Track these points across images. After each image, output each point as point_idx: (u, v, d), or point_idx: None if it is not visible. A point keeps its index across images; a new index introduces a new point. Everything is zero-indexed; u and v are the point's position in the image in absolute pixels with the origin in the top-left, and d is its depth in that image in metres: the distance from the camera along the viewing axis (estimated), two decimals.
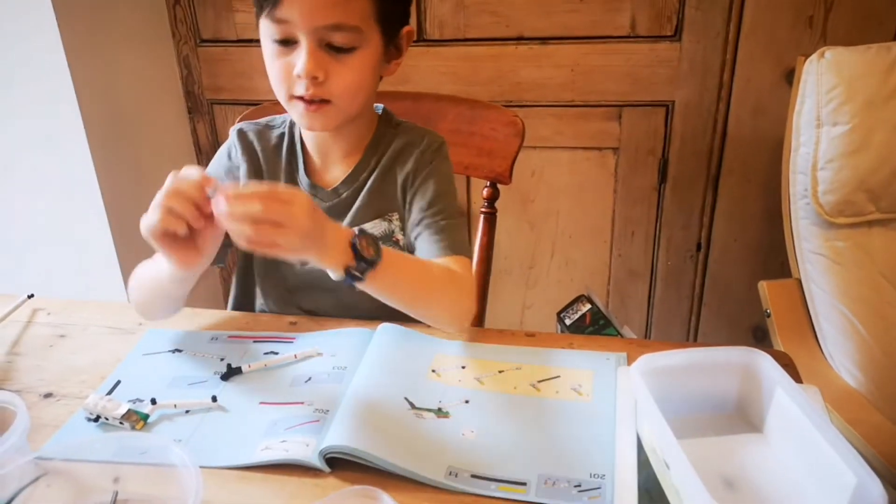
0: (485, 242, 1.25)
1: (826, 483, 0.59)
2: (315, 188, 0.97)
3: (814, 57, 1.21)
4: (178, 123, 1.75)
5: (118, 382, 0.81)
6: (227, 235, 0.76)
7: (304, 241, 0.70)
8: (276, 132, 0.99)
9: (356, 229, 0.77)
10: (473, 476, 0.66)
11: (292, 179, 0.98)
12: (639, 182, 1.64)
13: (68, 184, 1.47)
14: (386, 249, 0.78)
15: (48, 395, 0.81)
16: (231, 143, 0.99)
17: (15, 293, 1.00)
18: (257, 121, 1.01)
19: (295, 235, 0.68)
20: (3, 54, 1.38)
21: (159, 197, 0.72)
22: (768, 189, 1.54)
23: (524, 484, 0.65)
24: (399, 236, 0.98)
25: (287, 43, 0.83)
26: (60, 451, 0.69)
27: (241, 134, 0.98)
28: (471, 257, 0.94)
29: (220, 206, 0.68)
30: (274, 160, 0.98)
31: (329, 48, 0.82)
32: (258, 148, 0.98)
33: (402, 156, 0.97)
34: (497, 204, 1.26)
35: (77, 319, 0.95)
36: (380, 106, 1.02)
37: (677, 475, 0.59)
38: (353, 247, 0.74)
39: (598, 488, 0.64)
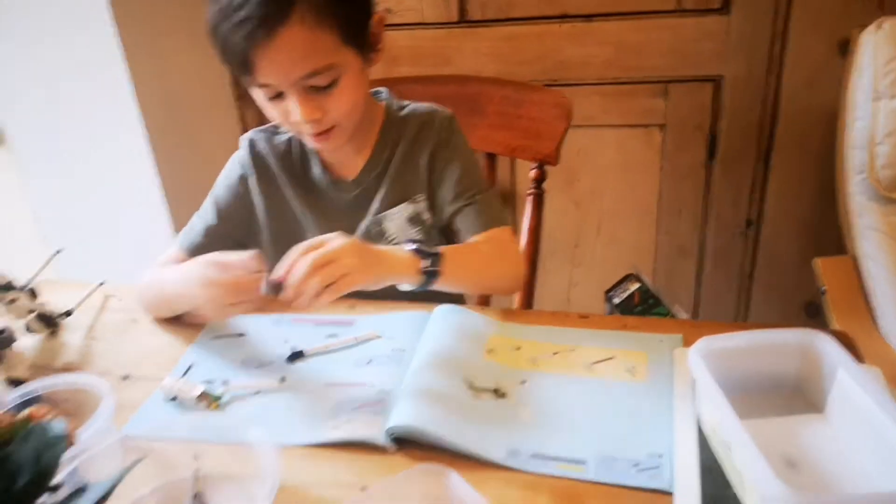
0: (533, 224, 1.26)
1: (890, 463, 0.59)
2: (335, 182, 1.00)
3: (871, 28, 1.18)
4: (228, 110, 1.79)
5: (191, 365, 0.85)
6: (232, 244, 0.95)
7: (369, 271, 0.76)
8: (283, 136, 1.01)
9: (406, 241, 0.84)
10: (533, 455, 0.68)
11: (308, 177, 1.01)
12: (686, 159, 1.62)
13: (127, 172, 1.53)
14: (444, 248, 0.85)
15: (126, 378, 0.85)
16: (242, 153, 1.01)
17: (86, 281, 1.05)
18: (264, 127, 1.03)
19: (361, 275, 0.75)
20: (62, 49, 1.43)
21: (221, 297, 0.78)
22: (822, 164, 1.50)
23: (583, 462, 0.67)
24: (427, 216, 1.00)
25: (277, 97, 0.86)
26: (141, 430, 0.74)
27: (251, 144, 1.01)
28: (508, 224, 0.98)
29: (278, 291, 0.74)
30: (286, 163, 1.00)
31: (313, 89, 0.85)
32: (268, 154, 1.00)
33: (419, 138, 0.99)
34: (543, 185, 1.27)
35: None
36: (383, 90, 1.04)
37: (740, 456, 0.60)
38: (416, 251, 0.82)
39: (657, 467, 0.65)
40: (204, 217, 1.00)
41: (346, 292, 0.74)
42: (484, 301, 1.29)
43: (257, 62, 0.81)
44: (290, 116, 0.86)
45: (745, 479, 0.59)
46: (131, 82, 1.43)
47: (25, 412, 0.41)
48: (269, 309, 0.89)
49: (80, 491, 0.44)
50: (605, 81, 1.59)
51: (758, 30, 1.47)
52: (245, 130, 1.80)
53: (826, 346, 0.68)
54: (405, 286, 0.84)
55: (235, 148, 1.05)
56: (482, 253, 0.93)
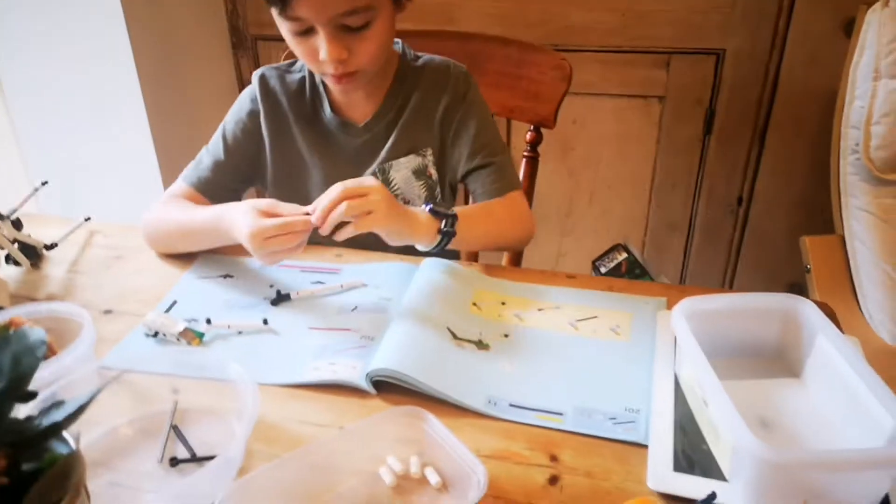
0: (525, 186, 1.25)
1: (864, 427, 0.60)
2: (345, 125, 0.99)
3: (877, 6, 1.17)
4: (223, 58, 1.76)
5: (174, 302, 0.85)
6: (240, 179, 1.00)
7: (391, 218, 0.79)
8: (296, 76, 1.01)
9: (424, 204, 0.86)
10: (512, 405, 0.69)
11: (318, 118, 1.00)
12: (683, 132, 1.61)
13: (119, 115, 1.50)
14: (461, 208, 0.89)
15: (108, 312, 0.85)
16: (253, 89, 1.00)
17: (72, 217, 1.04)
18: (278, 65, 1.02)
19: (382, 217, 0.78)
20: None
21: (273, 240, 0.78)
22: (816, 144, 1.50)
23: (561, 414, 0.67)
24: (432, 171, 1.00)
25: (305, 32, 0.85)
26: (122, 361, 0.74)
27: (263, 79, 1.00)
28: (521, 187, 1.01)
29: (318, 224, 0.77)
30: (297, 102, 1.00)
31: (345, 28, 0.84)
32: (279, 92, 0.99)
33: (433, 91, 0.99)
34: (539, 148, 1.26)
35: (132, 243, 0.98)
36: (398, 41, 1.03)
37: (716, 412, 0.60)
38: (433, 211, 0.84)
39: (633, 422, 0.66)
40: (213, 151, 1.00)
41: (367, 230, 0.78)
42: (472, 257, 1.29)
43: None
44: (315, 54, 0.85)
45: (720, 434, 0.60)
46: (126, 24, 1.40)
47: (5, 320, 0.41)
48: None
49: (55, 405, 0.43)
50: (608, 49, 1.58)
51: (763, 5, 1.46)
52: (240, 78, 1.79)
53: (808, 312, 0.69)
54: (421, 246, 0.86)
55: (229, 95, 1.04)
56: (496, 215, 0.96)
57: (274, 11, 0.84)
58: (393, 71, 0.99)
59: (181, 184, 0.99)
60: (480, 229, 0.92)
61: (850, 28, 1.36)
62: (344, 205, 0.76)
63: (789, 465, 0.54)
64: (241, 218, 0.81)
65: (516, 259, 1.27)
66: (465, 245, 0.92)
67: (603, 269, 1.48)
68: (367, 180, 0.79)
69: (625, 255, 1.47)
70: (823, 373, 0.67)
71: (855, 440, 0.61)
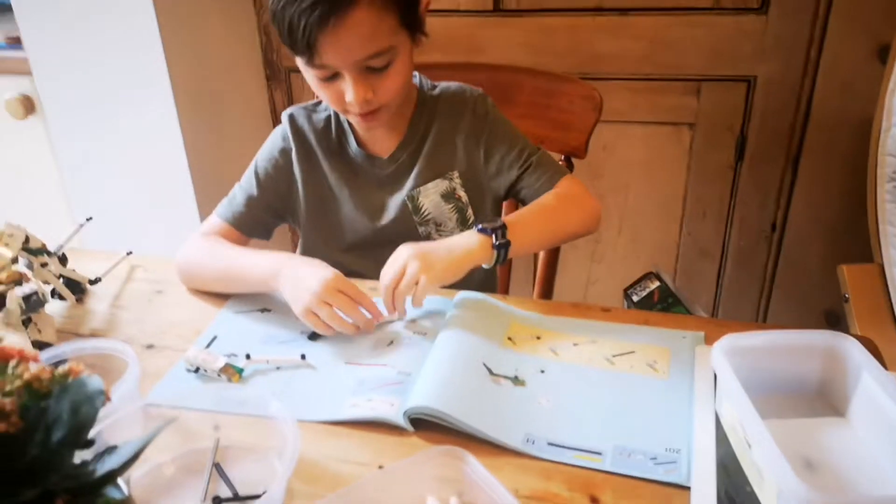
0: None
1: None
2: (371, 158, 1.02)
3: None
4: (258, 91, 1.80)
5: (215, 337, 0.86)
6: (272, 215, 1.04)
7: (434, 268, 0.84)
8: (322, 114, 1.04)
9: (475, 226, 0.88)
10: (550, 444, 0.68)
11: (345, 154, 1.03)
12: (714, 159, 1.60)
13: (157, 150, 1.54)
14: (506, 217, 0.91)
15: (150, 347, 0.87)
16: (284, 128, 1.04)
17: (113, 251, 1.07)
18: (304, 104, 1.06)
19: (430, 275, 0.83)
20: (100, 25, 1.45)
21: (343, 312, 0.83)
22: (851, 171, 1.48)
23: (600, 453, 0.67)
24: (461, 193, 1.02)
25: (331, 78, 0.88)
26: (164, 398, 0.75)
27: (292, 119, 1.03)
28: (566, 171, 1.03)
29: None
30: (325, 139, 1.03)
31: (369, 69, 0.87)
32: (307, 130, 1.03)
33: (452, 116, 1.02)
34: None
35: (172, 277, 1.00)
36: (415, 73, 1.05)
37: (760, 453, 0.60)
38: (482, 230, 0.87)
39: (674, 462, 0.65)
40: (245, 188, 1.03)
41: (425, 295, 0.84)
42: (504, 290, 1.29)
43: (322, 44, 0.82)
44: (342, 97, 0.88)
45: (764, 476, 0.59)
46: (166, 59, 1.44)
47: (65, 367, 0.42)
48: None
49: (109, 450, 0.44)
50: (637, 77, 1.58)
51: (795, 31, 1.45)
52: (274, 111, 1.82)
53: (851, 349, 0.68)
54: (485, 265, 0.88)
55: (264, 127, 1.07)
56: (549, 208, 0.96)
57: (300, 61, 0.87)
58: (412, 103, 1.02)
59: (215, 219, 1.02)
60: (537, 228, 0.94)
61: (884, 54, 1.35)
62: (400, 302, 0.83)
63: None
64: (317, 266, 0.85)
65: (548, 288, 1.27)
66: (528, 248, 0.93)
67: (635, 298, 1.46)
68: (397, 256, 0.85)
69: (657, 283, 1.45)
70: (869, 412, 0.65)
71: None
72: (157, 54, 1.44)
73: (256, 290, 0.92)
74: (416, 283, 0.83)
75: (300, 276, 0.85)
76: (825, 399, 0.71)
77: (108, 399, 0.41)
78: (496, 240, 0.87)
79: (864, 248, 1.35)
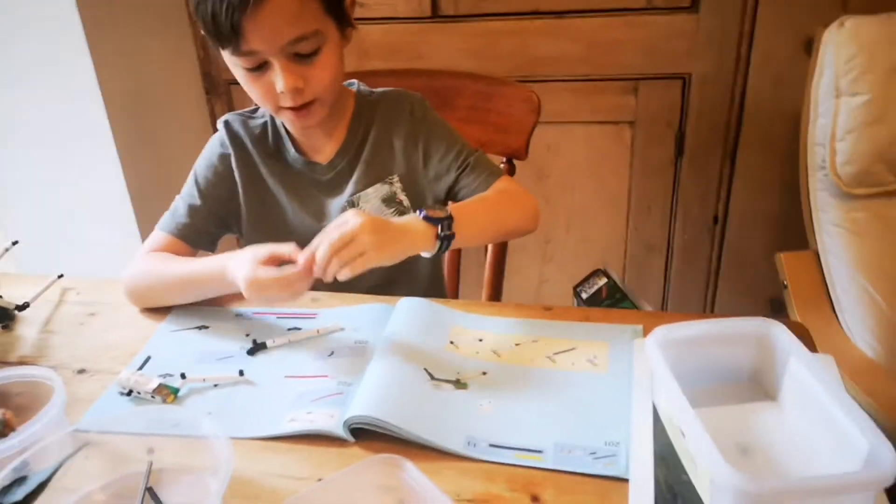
0: None
1: (839, 449, 0.60)
2: (310, 164, 1.01)
3: (833, 26, 1.20)
4: (197, 104, 1.77)
5: (148, 358, 0.84)
6: (216, 223, 1.01)
7: (384, 248, 0.79)
8: (259, 121, 1.03)
9: (417, 210, 0.85)
10: (491, 445, 0.68)
11: (282, 161, 1.02)
12: (655, 155, 1.63)
13: (92, 165, 1.50)
14: (450, 205, 0.90)
15: (81, 371, 0.84)
16: (221, 134, 1.02)
17: (45, 274, 1.03)
18: (241, 111, 1.05)
19: (376, 253, 0.78)
20: (25, 41, 1.40)
21: (267, 289, 0.80)
22: (787, 161, 1.52)
23: (540, 451, 0.67)
24: (402, 196, 1.02)
25: (259, 68, 0.87)
26: (96, 423, 0.73)
27: (228, 125, 1.02)
28: (503, 172, 1.04)
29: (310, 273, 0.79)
30: (262, 145, 1.02)
31: (298, 57, 0.86)
32: (244, 135, 1.02)
33: (391, 120, 1.02)
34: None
35: (106, 298, 0.97)
36: (354, 81, 1.06)
37: (692, 442, 0.60)
38: (427, 218, 0.84)
39: (613, 455, 0.66)
40: (187, 198, 1.01)
41: (363, 270, 0.78)
42: (452, 293, 1.29)
43: (247, 29, 0.81)
44: (272, 89, 0.87)
45: (698, 464, 0.60)
46: (96, 76, 1.41)
47: None
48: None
49: (20, 480, 0.43)
50: (577, 78, 1.60)
51: (726, 28, 1.49)
52: (214, 124, 1.79)
53: (779, 335, 0.69)
54: (425, 254, 0.85)
55: (203, 140, 1.04)
56: (490, 202, 0.96)
57: (226, 53, 0.87)
58: (350, 109, 1.02)
59: (159, 234, 0.99)
60: (479, 221, 0.93)
61: (810, 48, 1.39)
62: (335, 261, 0.77)
63: (766, 495, 0.54)
64: (240, 266, 0.82)
65: (496, 289, 1.28)
66: (469, 241, 0.91)
67: (584, 295, 1.48)
68: (349, 220, 0.79)
69: (605, 279, 1.47)
70: (798, 395, 0.67)
71: (832, 463, 0.61)
72: (87, 71, 1.40)
73: (217, 291, 0.91)
74: (360, 256, 0.78)
75: (237, 272, 0.83)
76: (758, 385, 0.72)
77: (12, 428, 0.39)
78: (441, 231, 0.85)
79: (802, 235, 1.38)
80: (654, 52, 1.54)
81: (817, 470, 0.61)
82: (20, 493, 0.40)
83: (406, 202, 1.02)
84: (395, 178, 1.01)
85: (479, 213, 0.94)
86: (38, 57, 1.42)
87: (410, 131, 1.02)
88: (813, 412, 0.64)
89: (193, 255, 1.00)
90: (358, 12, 1.60)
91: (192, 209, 1.00)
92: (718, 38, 1.50)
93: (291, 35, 0.84)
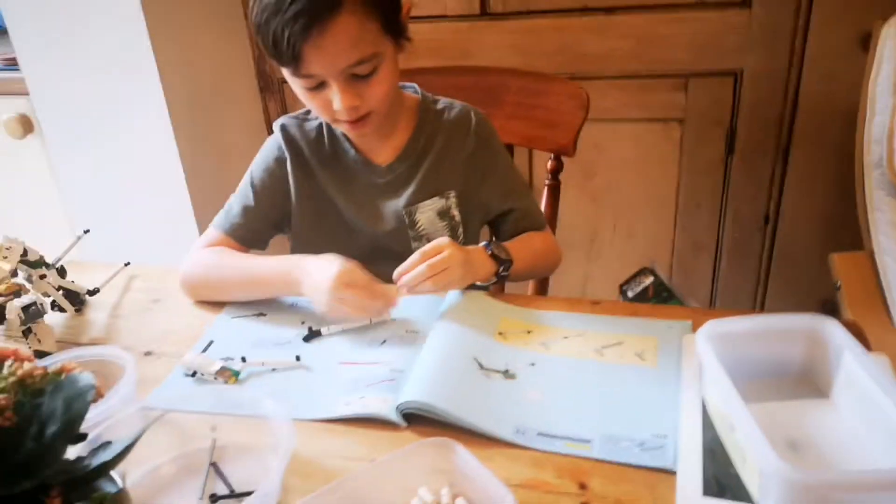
0: (549, 214, 1.27)
1: (892, 446, 0.60)
2: (369, 165, 1.03)
3: (893, 20, 1.17)
4: (252, 102, 1.82)
5: (211, 342, 0.88)
6: (269, 224, 1.05)
7: (465, 280, 0.89)
8: (313, 122, 1.04)
9: (483, 243, 0.95)
10: (540, 434, 0.70)
11: (340, 161, 1.03)
12: (705, 153, 1.62)
13: (153, 161, 1.56)
14: (508, 245, 0.97)
15: (148, 353, 0.88)
16: (277, 137, 1.04)
17: (113, 263, 1.09)
18: (295, 114, 1.07)
19: (459, 284, 0.88)
20: (92, 39, 1.47)
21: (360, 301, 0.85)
22: (841, 160, 1.49)
23: (588, 441, 0.68)
24: (455, 212, 1.04)
25: (317, 87, 0.89)
26: (163, 401, 0.77)
27: (284, 129, 1.04)
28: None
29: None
30: (317, 147, 1.04)
31: (355, 77, 0.88)
32: (300, 139, 1.03)
33: (456, 135, 1.03)
34: (561, 176, 1.28)
35: (169, 286, 1.02)
36: (413, 85, 1.07)
37: (743, 436, 0.61)
38: (493, 256, 0.93)
39: (661, 447, 0.66)
40: (242, 199, 1.04)
41: (444, 285, 0.87)
42: (499, 287, 1.31)
43: (307, 54, 0.83)
44: (330, 106, 0.89)
45: (747, 457, 0.60)
46: (158, 72, 1.47)
47: (57, 365, 0.43)
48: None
49: (102, 446, 0.46)
50: (625, 75, 1.59)
51: (779, 23, 1.47)
52: (268, 121, 1.85)
53: (833, 331, 0.69)
54: (479, 283, 0.94)
55: (258, 137, 1.08)
56: (537, 252, 1.04)
57: (286, 71, 0.89)
58: (414, 113, 1.03)
59: (214, 231, 1.03)
60: (525, 266, 0.99)
61: (867, 43, 1.36)
62: (429, 283, 0.84)
63: (816, 487, 0.54)
64: (325, 264, 0.87)
65: (542, 286, 1.29)
66: (516, 277, 1.00)
67: (630, 294, 1.47)
68: (445, 249, 0.86)
69: (651, 278, 1.46)
70: (851, 392, 0.67)
71: (884, 459, 0.60)
72: (150, 69, 1.46)
73: (275, 295, 0.95)
74: (444, 270, 0.86)
75: (313, 275, 0.87)
76: (809, 381, 0.72)
77: (101, 395, 0.42)
78: (501, 270, 0.94)
79: (856, 235, 1.36)
80: (704, 48, 1.52)
81: (870, 466, 0.61)
82: (104, 456, 0.43)
83: (458, 217, 1.04)
84: (452, 194, 1.03)
85: (525, 259, 1.00)
86: (105, 61, 1.48)
87: (473, 151, 1.03)
88: (866, 410, 0.64)
89: (246, 252, 1.03)
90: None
91: (246, 210, 1.02)
92: (771, 34, 1.48)
93: (351, 60, 0.85)
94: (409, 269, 0.85)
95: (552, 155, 1.26)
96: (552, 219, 1.27)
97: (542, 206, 1.27)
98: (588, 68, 1.60)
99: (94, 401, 0.42)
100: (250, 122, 1.81)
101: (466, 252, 0.89)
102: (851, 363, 0.66)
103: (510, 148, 1.29)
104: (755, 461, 0.58)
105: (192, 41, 1.58)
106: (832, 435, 0.66)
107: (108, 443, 0.45)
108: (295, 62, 0.85)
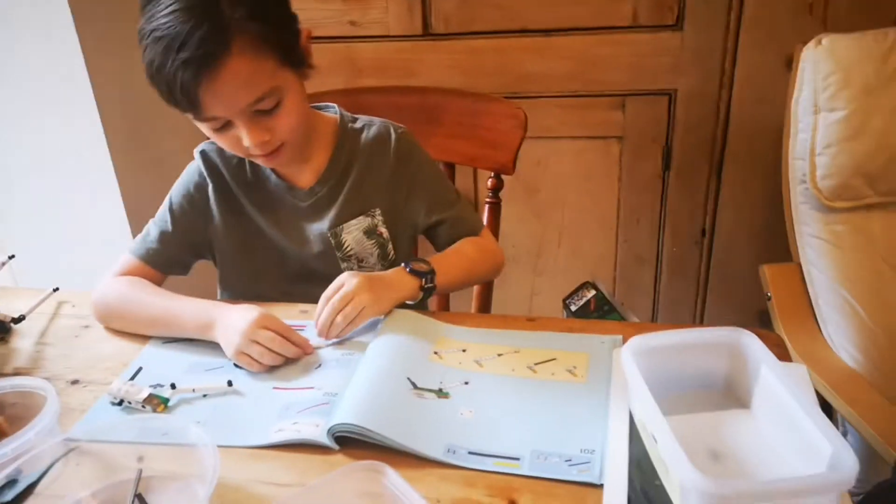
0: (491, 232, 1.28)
1: (805, 454, 0.62)
2: (291, 189, 1.02)
3: (811, 44, 1.23)
4: (187, 118, 1.79)
5: (140, 369, 0.86)
6: (188, 251, 1.03)
7: (380, 303, 0.89)
8: None
9: (402, 264, 0.94)
10: (471, 452, 0.70)
11: (263, 186, 1.02)
12: (643, 170, 1.66)
13: (88, 181, 1.53)
14: (432, 257, 0.98)
15: (75, 382, 0.86)
16: (197, 164, 1.03)
17: (41, 288, 1.05)
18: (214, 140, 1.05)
19: (373, 308, 0.88)
20: (24, 58, 1.43)
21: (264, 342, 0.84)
22: (771, 175, 1.55)
23: (518, 459, 0.69)
24: (382, 229, 1.04)
25: (223, 127, 0.89)
26: (88, 432, 0.74)
27: (204, 155, 1.02)
28: (483, 224, 1.12)
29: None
30: (239, 175, 1.02)
31: (259, 113, 0.87)
32: (220, 165, 1.02)
33: (377, 156, 1.03)
34: (503, 194, 1.30)
35: None
36: (332, 105, 1.07)
37: (664, 448, 0.62)
38: (412, 271, 0.93)
39: (588, 462, 0.67)
40: (160, 224, 1.02)
41: (362, 324, 0.88)
42: (442, 305, 1.31)
43: (204, 99, 0.82)
44: (240, 143, 0.89)
45: (669, 470, 0.61)
46: (92, 89, 1.44)
47: None
48: None
49: (11, 483, 0.45)
50: (565, 94, 1.63)
51: (709, 45, 1.52)
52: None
53: (751, 344, 0.71)
54: (409, 301, 0.93)
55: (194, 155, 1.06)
56: (468, 257, 1.04)
57: (189, 116, 0.88)
58: (332, 135, 1.03)
59: (129, 257, 1.01)
60: (458, 274, 1.00)
61: (791, 64, 1.42)
62: (339, 321, 0.86)
63: (731, 497, 0.55)
64: (244, 309, 0.86)
65: (486, 302, 1.30)
66: (448, 289, 1.02)
67: (573, 307, 1.50)
68: (345, 282, 0.87)
69: (593, 292, 1.49)
70: (769, 403, 0.69)
71: (799, 467, 0.63)
72: (85, 88, 1.43)
73: (188, 336, 0.91)
74: (360, 313, 0.87)
75: (230, 320, 0.86)
76: (731, 393, 0.74)
77: (5, 435, 0.41)
78: (426, 283, 0.93)
79: (787, 248, 1.41)
80: (640, 69, 1.57)
81: (784, 474, 0.63)
82: (9, 494, 0.42)
83: (386, 234, 1.04)
84: (378, 212, 1.03)
85: (457, 267, 1.01)
86: (34, 70, 1.45)
87: (395, 168, 1.03)
88: (781, 419, 0.66)
89: (163, 279, 1.02)
90: (351, 31, 1.66)
91: (163, 235, 1.01)
92: (703, 55, 1.53)
93: (249, 99, 0.85)
94: (327, 325, 0.86)
95: (492, 173, 1.28)
96: (494, 236, 1.28)
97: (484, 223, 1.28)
98: (529, 88, 1.63)
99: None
100: (188, 138, 1.78)
101: (372, 278, 0.90)
102: (768, 375, 0.69)
103: (451, 167, 1.30)
104: (675, 474, 0.60)
105: (127, 56, 1.55)
106: (752, 444, 0.68)
107: (14, 481, 0.44)
108: (193, 108, 0.84)
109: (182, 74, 0.80)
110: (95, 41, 1.44)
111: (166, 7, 0.80)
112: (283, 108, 0.88)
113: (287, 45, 0.87)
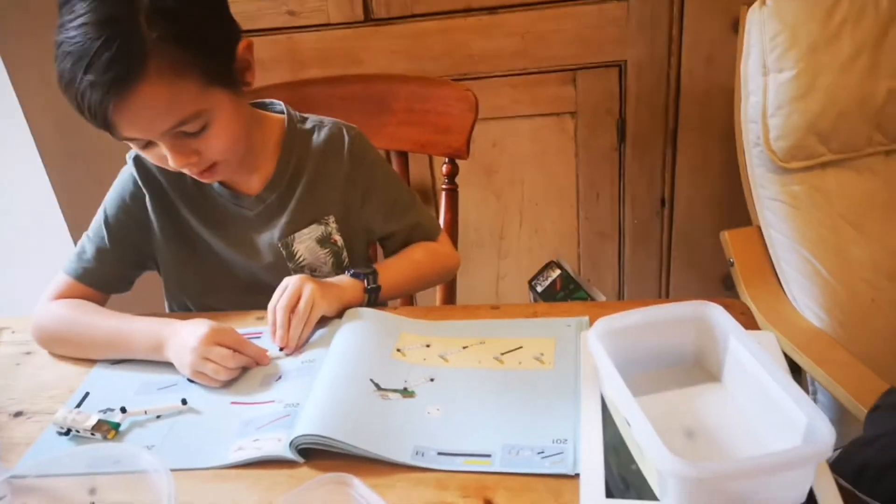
0: (448, 219, 1.25)
1: (780, 425, 0.61)
2: (236, 196, 0.95)
3: (756, 5, 1.22)
4: None
5: (87, 394, 0.81)
6: (129, 266, 0.98)
7: (327, 298, 0.87)
8: None
9: (346, 269, 0.95)
10: (440, 453, 0.67)
11: (207, 195, 0.95)
12: (599, 144, 1.64)
13: (26, 202, 1.45)
14: (378, 263, 0.99)
15: (18, 414, 0.81)
16: (131, 170, 0.94)
17: None
18: None
19: (323, 302, 0.86)
20: None
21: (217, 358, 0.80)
22: (727, 140, 1.54)
23: (489, 455, 0.66)
24: (336, 237, 0.99)
25: (147, 146, 0.82)
26: (34, 468, 0.70)
27: (138, 161, 0.93)
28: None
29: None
30: (178, 183, 0.94)
31: (185, 135, 0.80)
32: (157, 173, 0.94)
33: (329, 160, 0.96)
34: (460, 178, 1.27)
35: None
36: (279, 103, 0.99)
37: (637, 431, 0.60)
38: (355, 275, 0.93)
39: (560, 453, 0.65)
40: (95, 239, 0.95)
41: (316, 320, 0.86)
42: (407, 300, 1.28)
43: (117, 122, 0.75)
44: (166, 160, 0.82)
45: (644, 453, 0.60)
46: (18, 101, 1.36)
47: None
48: None
49: None
50: (515, 73, 1.60)
51: (655, 14, 1.50)
52: None
53: (718, 316, 0.70)
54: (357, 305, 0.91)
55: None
56: (416, 261, 1.02)
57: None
58: (279, 137, 0.95)
59: (65, 278, 0.94)
60: (404, 277, 0.99)
61: (738, 27, 1.41)
62: (295, 323, 0.83)
63: (709, 479, 0.54)
64: (195, 325, 0.82)
65: (450, 292, 1.27)
66: (395, 293, 0.99)
67: (539, 288, 1.48)
68: (290, 283, 0.85)
69: (558, 271, 1.47)
70: (740, 375, 0.68)
71: (774, 439, 0.61)
72: (10, 100, 1.36)
73: (139, 357, 0.86)
74: (312, 309, 0.85)
75: (180, 338, 0.82)
76: (702, 367, 0.73)
77: None
78: (368, 284, 0.92)
79: (747, 213, 1.41)
80: (588, 42, 1.54)
81: (760, 448, 0.62)
82: None
83: (340, 242, 0.99)
84: (332, 220, 0.97)
85: (403, 270, 1.00)
86: None
87: (349, 172, 0.97)
88: (753, 391, 0.65)
89: (106, 298, 0.96)
90: (289, 21, 1.60)
91: (100, 253, 0.94)
92: (649, 24, 1.51)
93: (168, 124, 0.77)
94: (285, 331, 0.84)
95: (446, 159, 1.25)
96: (452, 222, 1.25)
97: (442, 211, 1.25)
98: (477, 68, 1.59)
99: None
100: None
101: (314, 278, 0.88)
102: (737, 346, 0.67)
103: (405, 156, 1.27)
104: (651, 457, 0.58)
105: (49, 52, 1.48)
106: (726, 418, 0.67)
107: None
108: (107, 129, 0.77)
109: (90, 96, 0.72)
110: (18, 48, 1.36)
111: (77, 17, 0.72)
112: (212, 129, 0.80)
113: (215, 65, 0.79)
